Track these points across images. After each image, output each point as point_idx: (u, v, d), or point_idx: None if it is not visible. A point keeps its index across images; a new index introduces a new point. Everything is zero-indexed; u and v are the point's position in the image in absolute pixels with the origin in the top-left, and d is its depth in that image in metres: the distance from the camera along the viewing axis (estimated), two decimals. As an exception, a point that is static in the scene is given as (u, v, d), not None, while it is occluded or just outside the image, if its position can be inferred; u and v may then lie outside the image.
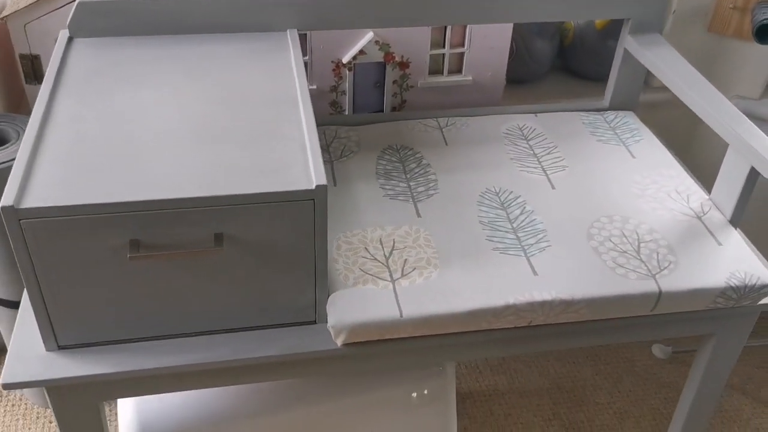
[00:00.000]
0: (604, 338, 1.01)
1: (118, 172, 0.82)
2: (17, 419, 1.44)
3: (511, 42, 1.45)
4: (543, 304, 0.92)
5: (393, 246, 0.99)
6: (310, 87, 1.29)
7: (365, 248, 0.98)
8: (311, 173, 0.83)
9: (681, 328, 1.03)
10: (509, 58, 1.46)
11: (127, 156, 0.85)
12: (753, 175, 1.00)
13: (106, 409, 1.46)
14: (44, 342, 0.88)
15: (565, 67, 1.59)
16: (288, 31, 1.11)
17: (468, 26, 1.29)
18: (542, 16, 1.20)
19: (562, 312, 0.94)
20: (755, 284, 0.96)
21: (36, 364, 0.87)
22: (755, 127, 1.02)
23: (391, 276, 0.94)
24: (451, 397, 1.19)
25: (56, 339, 0.88)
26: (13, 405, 1.47)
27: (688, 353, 1.65)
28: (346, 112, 1.34)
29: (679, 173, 1.15)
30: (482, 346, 0.98)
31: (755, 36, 1.35)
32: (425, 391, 1.16)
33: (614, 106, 1.31)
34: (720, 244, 1.02)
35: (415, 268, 0.95)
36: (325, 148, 1.17)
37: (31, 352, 0.88)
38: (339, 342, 0.91)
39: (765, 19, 1.32)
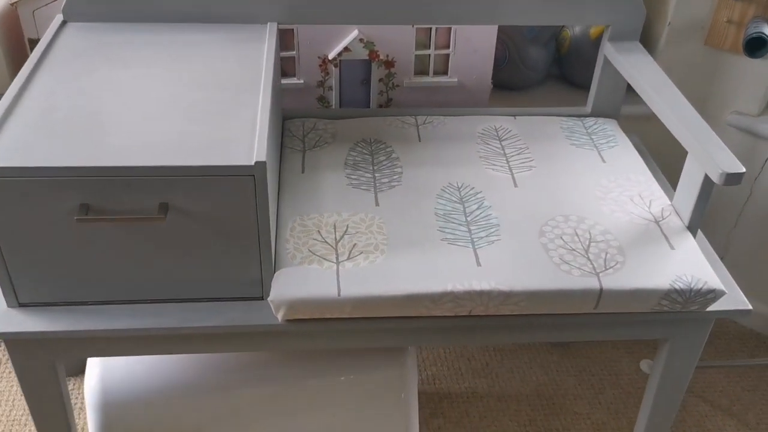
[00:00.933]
0: (548, 334, 1.02)
1: (78, 141, 0.88)
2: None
3: (504, 48, 1.48)
4: (481, 294, 0.94)
5: (345, 231, 1.02)
6: (297, 81, 1.34)
7: (318, 231, 1.02)
8: (254, 151, 0.87)
9: (629, 330, 1.03)
10: (502, 64, 1.49)
11: (89, 127, 0.91)
12: (708, 182, 1.00)
13: (70, 382, 1.53)
14: (5, 298, 0.94)
15: (561, 76, 1.60)
16: (268, 24, 1.16)
17: (453, 28, 1.32)
18: (523, 20, 1.23)
19: (502, 303, 0.95)
20: (701, 288, 0.96)
21: (-3, 318, 0.93)
22: (715, 136, 1.02)
23: (337, 258, 0.97)
24: (411, 387, 1.21)
25: (16, 296, 0.94)
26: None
27: (706, 369, 1.62)
28: (333, 108, 1.38)
29: (647, 179, 1.15)
30: (423, 333, 1.00)
31: (745, 49, 1.34)
32: (384, 379, 1.19)
33: (597, 114, 1.32)
34: (673, 248, 1.02)
35: (362, 252, 0.98)
36: (301, 138, 1.21)
37: (-6, 307, 0.95)
38: (280, 317, 0.94)
39: (754, 33, 1.32)
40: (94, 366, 1.14)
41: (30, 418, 1.40)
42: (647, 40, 1.53)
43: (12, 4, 1.29)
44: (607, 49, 1.24)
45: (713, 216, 1.65)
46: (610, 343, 1.68)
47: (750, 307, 1.01)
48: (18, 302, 0.94)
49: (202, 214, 0.89)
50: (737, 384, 1.60)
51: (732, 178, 0.94)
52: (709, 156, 0.97)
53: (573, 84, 1.57)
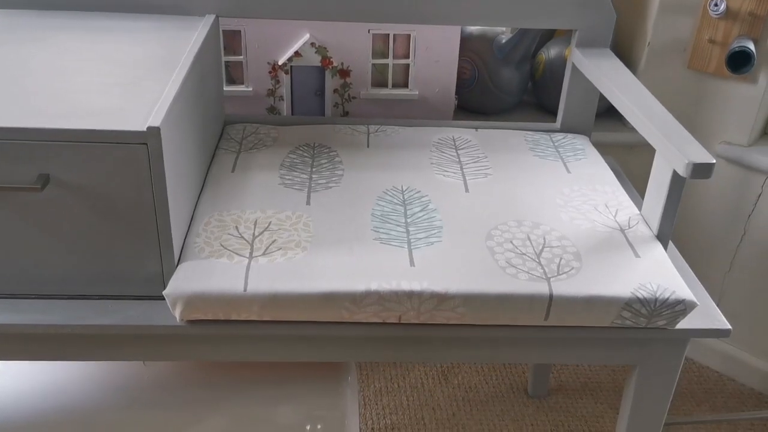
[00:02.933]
0: (492, 352, 0.88)
1: (-46, 104, 0.78)
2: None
3: (472, 67, 1.39)
4: (411, 295, 0.81)
5: (267, 227, 0.90)
6: (246, 89, 1.25)
7: (235, 227, 0.90)
8: (150, 117, 0.77)
9: (589, 351, 0.89)
10: (470, 84, 1.41)
11: (-28, 92, 0.81)
12: (677, 180, 0.88)
13: None
14: None
15: (537, 103, 1.51)
16: (205, 15, 1.08)
17: (412, 36, 1.23)
18: (486, 21, 1.14)
19: (435, 308, 0.82)
20: (668, 298, 0.83)
21: None
22: (684, 130, 0.91)
23: (251, 253, 0.85)
24: (351, 424, 1.06)
25: None
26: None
27: (670, 427, 1.45)
28: (284, 115, 1.28)
29: (614, 190, 1.03)
30: (345, 343, 0.87)
31: (728, 65, 1.24)
32: (319, 418, 1.04)
33: (567, 129, 1.21)
34: (638, 256, 0.89)
35: (280, 248, 0.86)
36: (238, 140, 1.11)
37: None
38: (177, 315, 0.82)
39: (737, 47, 1.22)
40: (-14, 382, 1.01)
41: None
42: (627, 64, 1.43)
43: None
44: (575, 56, 1.15)
45: (706, 260, 1.52)
46: (591, 396, 1.52)
47: (728, 326, 0.87)
48: None
49: (90, 190, 0.78)
50: (735, 444, 1.43)
51: (700, 170, 0.82)
52: (675, 149, 0.86)
53: (548, 110, 1.47)
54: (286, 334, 0.85)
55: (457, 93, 1.33)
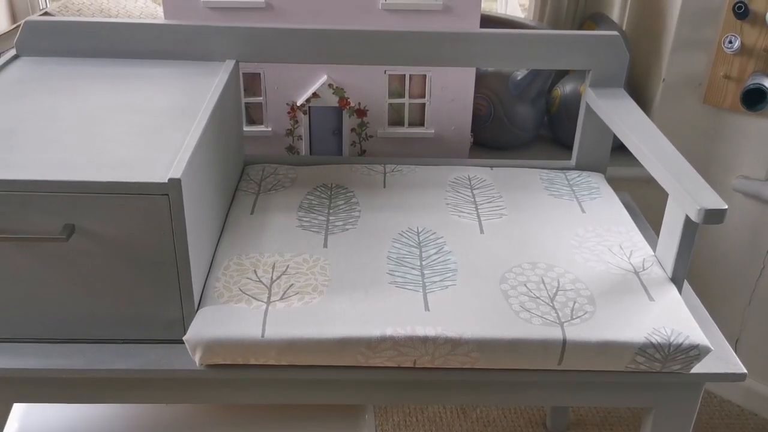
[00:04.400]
0: (507, 396, 0.89)
1: (-15, 156, 0.81)
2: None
3: (488, 105, 1.41)
4: (426, 341, 0.82)
5: (284, 271, 0.92)
6: (265, 129, 1.28)
7: (254, 271, 0.92)
8: (172, 168, 0.79)
9: (603, 394, 0.89)
10: (486, 121, 1.42)
11: (3, 145, 0.84)
12: (690, 224, 0.89)
13: None
14: None
15: (552, 137, 1.52)
16: (226, 60, 1.11)
17: (428, 76, 1.25)
18: (500, 63, 1.16)
19: (450, 353, 0.83)
20: (681, 343, 0.83)
21: None
22: (696, 174, 0.91)
23: (269, 298, 0.87)
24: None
25: None
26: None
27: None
28: (302, 155, 1.31)
29: (629, 230, 1.04)
30: (361, 387, 0.88)
31: (742, 102, 1.25)
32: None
33: (582, 167, 1.22)
34: (652, 299, 0.89)
35: (298, 293, 0.88)
36: (258, 181, 1.14)
37: None
38: (197, 360, 0.84)
39: (752, 84, 1.23)
40: (13, 421, 1.03)
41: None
42: (642, 99, 1.45)
43: (-21, 46, 1.28)
44: (589, 96, 1.16)
45: (725, 294, 1.51)
46: (610, 429, 1.51)
47: (744, 370, 0.86)
48: None
49: (113, 240, 0.80)
50: (756, 482, 1.41)
51: (712, 216, 0.83)
52: (687, 194, 0.86)
53: (564, 145, 1.48)
54: (303, 378, 0.86)
55: (473, 129, 1.35)
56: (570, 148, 1.46)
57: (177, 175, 0.78)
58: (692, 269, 1.45)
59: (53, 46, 1.10)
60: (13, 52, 1.11)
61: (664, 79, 1.37)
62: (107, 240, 0.80)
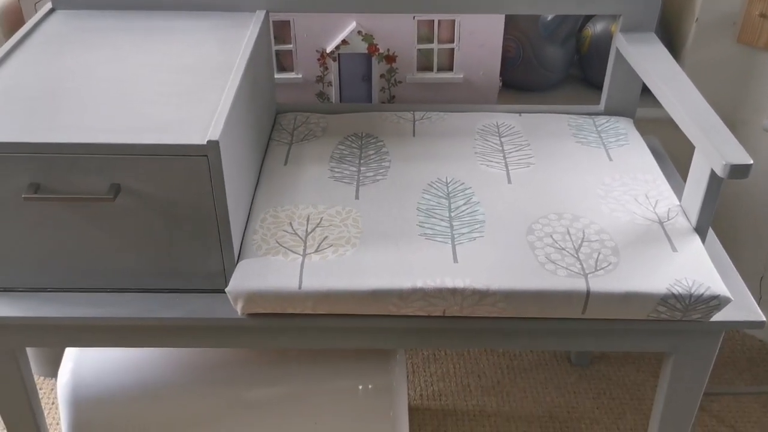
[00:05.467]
0: (532, 341, 0.93)
1: (32, 119, 0.85)
2: None
3: (517, 47, 1.40)
4: (454, 292, 0.86)
5: (318, 223, 0.96)
6: (296, 76, 1.30)
7: (289, 223, 0.96)
8: (210, 130, 0.83)
9: (624, 340, 0.93)
10: (515, 63, 1.42)
11: (47, 106, 0.88)
12: (715, 178, 0.90)
13: (51, 381, 1.50)
14: (-37, 283, 0.92)
15: (582, 77, 1.51)
16: (256, 11, 1.12)
17: (457, 21, 1.25)
18: (529, 9, 1.15)
19: (477, 304, 0.87)
20: (702, 294, 0.86)
21: (-48, 302, 0.91)
22: (724, 128, 0.92)
23: (304, 250, 0.91)
24: (400, 399, 1.13)
25: (-24, 280, 0.91)
26: None
27: (709, 396, 1.49)
28: (330, 103, 1.33)
29: (655, 178, 1.05)
30: (394, 334, 0.93)
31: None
32: (370, 385, 1.11)
33: (610, 112, 1.23)
34: (675, 250, 0.92)
35: (332, 245, 0.92)
36: (290, 131, 1.16)
37: (-45, 291, 0.92)
38: (239, 310, 0.89)
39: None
40: (67, 362, 1.10)
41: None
42: (674, 39, 1.43)
43: (14, -3, 1.30)
44: (619, 41, 1.15)
45: (752, 232, 1.52)
46: (633, 364, 1.56)
47: (763, 318, 0.89)
48: (-22, 287, 0.92)
49: (156, 198, 0.84)
50: (775, 417, 1.46)
51: (737, 171, 0.84)
52: (713, 148, 0.87)
53: (594, 85, 1.48)
54: (338, 325, 0.91)
55: (501, 71, 1.35)
56: (600, 88, 1.45)
57: (215, 137, 0.81)
58: (719, 208, 1.46)
59: (88, -1, 1.12)
60: (49, 5, 1.13)
61: (697, 19, 1.35)
62: (151, 198, 0.84)
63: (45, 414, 1.34)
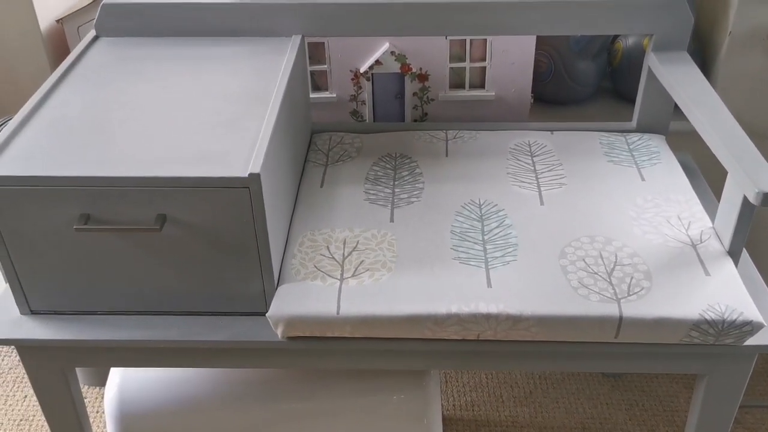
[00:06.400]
0: (565, 363, 0.95)
1: (81, 151, 0.89)
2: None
3: (549, 61, 1.41)
4: (488, 317, 0.88)
5: (355, 247, 0.99)
6: (330, 95, 1.32)
7: (327, 247, 0.99)
8: (251, 162, 0.86)
9: (657, 363, 0.94)
10: (547, 78, 1.43)
11: (94, 138, 0.92)
12: (747, 203, 0.91)
13: (95, 390, 1.55)
14: (18, 305, 0.96)
15: (613, 90, 1.52)
16: (292, 36, 1.15)
17: (488, 40, 1.27)
18: (561, 30, 1.16)
19: (511, 328, 0.89)
20: (735, 320, 0.87)
21: (7, 324, 0.95)
22: (756, 152, 0.92)
23: (342, 275, 0.94)
24: (434, 412, 1.16)
25: (28, 303, 0.95)
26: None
27: (743, 409, 1.49)
28: (364, 122, 1.35)
29: (688, 199, 1.06)
30: (429, 356, 0.95)
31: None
32: (404, 403, 1.14)
33: (643, 129, 1.23)
34: (708, 274, 0.93)
35: (368, 270, 0.95)
36: (326, 152, 1.19)
37: (8, 314, 0.97)
38: (279, 333, 0.92)
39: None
40: (114, 376, 1.15)
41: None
42: (707, 51, 1.43)
43: (58, 21, 1.34)
44: (651, 60, 1.16)
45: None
46: (666, 375, 1.57)
47: (797, 343, 0.90)
48: (30, 309, 0.96)
49: (200, 227, 0.88)
50: (809, 428, 1.46)
51: (770, 199, 0.85)
52: (746, 174, 0.88)
53: (625, 98, 1.48)
54: (375, 348, 0.94)
55: (533, 86, 1.36)
56: (632, 101, 1.46)
57: (256, 169, 0.84)
58: (754, 226, 1.45)
59: (129, 26, 1.16)
60: (93, 33, 1.17)
61: (730, 32, 1.35)
62: (195, 227, 0.88)
63: (90, 422, 1.40)
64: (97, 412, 1.52)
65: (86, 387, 1.57)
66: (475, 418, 1.49)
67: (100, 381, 1.56)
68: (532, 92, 1.35)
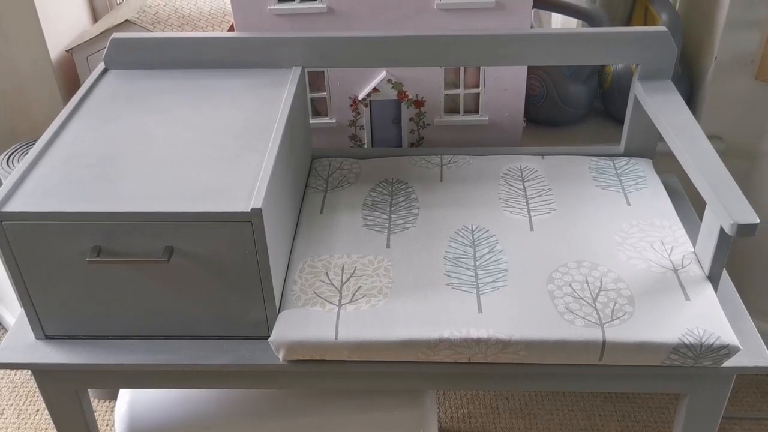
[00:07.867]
0: (552, 384, 1.00)
1: (92, 187, 0.94)
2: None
3: (541, 85, 1.46)
4: (479, 342, 0.93)
5: (353, 273, 1.04)
6: (330, 121, 1.38)
7: (326, 273, 1.04)
8: (253, 197, 0.91)
9: (640, 383, 0.99)
10: (539, 101, 1.48)
11: (104, 173, 0.97)
12: (725, 233, 0.95)
13: (105, 403, 1.61)
14: (33, 331, 1.01)
15: (605, 111, 1.56)
16: (293, 68, 1.20)
17: (482, 69, 1.32)
18: (552, 61, 1.21)
19: (500, 352, 0.94)
20: (713, 344, 0.92)
21: (23, 349, 1.00)
22: (733, 184, 0.97)
23: (340, 301, 0.99)
24: (430, 425, 1.20)
25: (43, 329, 1.01)
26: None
27: (731, 421, 1.54)
28: (365, 147, 1.40)
29: (672, 224, 1.11)
30: (423, 377, 1.00)
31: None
32: (401, 420, 1.19)
33: (630, 153, 1.28)
34: (688, 299, 0.97)
35: (365, 296, 1.00)
36: (325, 178, 1.24)
37: (24, 339, 1.02)
38: (281, 357, 0.97)
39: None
40: (124, 394, 1.20)
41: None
42: (694, 75, 1.48)
43: (68, 51, 1.40)
44: (637, 89, 1.21)
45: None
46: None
47: (772, 363, 0.95)
48: (45, 334, 1.01)
49: (205, 258, 0.93)
50: (796, 438, 1.50)
51: (744, 230, 0.90)
52: (722, 206, 0.93)
53: (615, 119, 1.53)
54: (372, 370, 0.99)
55: (526, 109, 1.41)
56: (622, 122, 1.51)
57: (258, 204, 0.89)
58: (735, 248, 1.50)
59: (136, 59, 1.21)
60: (102, 65, 1.22)
61: (716, 57, 1.39)
62: (201, 258, 0.93)
63: (101, 437, 1.45)
64: (107, 425, 1.57)
65: (96, 400, 1.63)
66: (472, 430, 1.54)
67: (111, 395, 1.61)
68: (524, 116, 1.40)
